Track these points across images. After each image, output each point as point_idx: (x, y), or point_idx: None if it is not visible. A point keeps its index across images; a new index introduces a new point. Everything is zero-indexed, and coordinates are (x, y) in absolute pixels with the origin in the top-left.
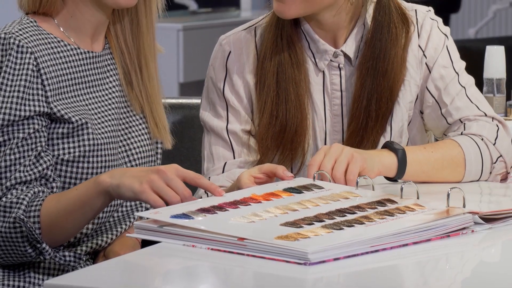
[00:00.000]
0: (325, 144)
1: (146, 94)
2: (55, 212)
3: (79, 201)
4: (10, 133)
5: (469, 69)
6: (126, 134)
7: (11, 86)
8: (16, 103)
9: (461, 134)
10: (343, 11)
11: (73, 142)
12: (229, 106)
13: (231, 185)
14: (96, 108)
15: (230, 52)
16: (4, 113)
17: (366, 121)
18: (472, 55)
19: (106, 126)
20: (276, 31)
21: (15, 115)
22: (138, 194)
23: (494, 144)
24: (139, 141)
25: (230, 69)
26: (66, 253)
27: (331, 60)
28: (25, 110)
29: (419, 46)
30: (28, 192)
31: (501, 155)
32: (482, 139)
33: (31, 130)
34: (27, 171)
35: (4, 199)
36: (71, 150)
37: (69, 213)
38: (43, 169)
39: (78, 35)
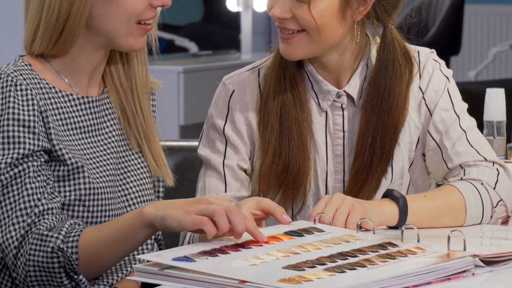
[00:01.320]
0: (326, 184)
1: (144, 132)
2: (94, 244)
3: (121, 233)
4: (24, 163)
5: (469, 111)
6: (125, 178)
7: (18, 120)
8: (28, 138)
9: (461, 179)
10: (348, 51)
11: (69, 185)
12: (229, 143)
13: None
14: (92, 153)
15: (233, 91)
16: (19, 148)
17: (371, 159)
18: (472, 98)
19: (104, 171)
20: (279, 71)
21: (28, 149)
22: (183, 222)
23: (494, 188)
24: (138, 185)
25: (232, 108)
26: (102, 286)
27: (334, 101)
28: (36, 145)
29: (420, 87)
30: (65, 222)
31: (501, 199)
32: (482, 184)
33: (42, 160)
34: (50, 199)
35: (38, 227)
36: (67, 194)
37: (110, 245)
38: (59, 201)
39: (76, 77)
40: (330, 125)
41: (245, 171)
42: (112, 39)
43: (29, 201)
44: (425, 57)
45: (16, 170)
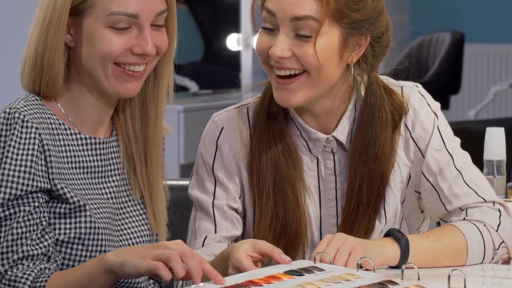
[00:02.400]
0: (320, 229)
1: (148, 184)
2: None
3: (84, 279)
4: (16, 207)
5: (469, 151)
6: (123, 224)
7: (16, 160)
8: (23, 178)
9: (463, 219)
10: (338, 95)
11: (70, 223)
12: (218, 182)
13: (214, 259)
14: (94, 194)
15: (222, 128)
16: (11, 187)
17: (357, 207)
18: (472, 137)
19: (103, 213)
20: (267, 123)
21: (21, 190)
22: (139, 268)
23: (496, 231)
24: (137, 231)
25: (221, 146)
26: None
27: (324, 146)
28: (31, 186)
29: (406, 125)
30: (35, 268)
31: (503, 241)
32: (484, 225)
33: (36, 204)
34: (33, 245)
35: (9, 272)
36: (67, 231)
37: None
38: (48, 245)
39: (81, 119)
40: (322, 170)
41: (235, 210)
42: (96, 80)
43: (11, 245)
44: (409, 91)
45: (7, 213)
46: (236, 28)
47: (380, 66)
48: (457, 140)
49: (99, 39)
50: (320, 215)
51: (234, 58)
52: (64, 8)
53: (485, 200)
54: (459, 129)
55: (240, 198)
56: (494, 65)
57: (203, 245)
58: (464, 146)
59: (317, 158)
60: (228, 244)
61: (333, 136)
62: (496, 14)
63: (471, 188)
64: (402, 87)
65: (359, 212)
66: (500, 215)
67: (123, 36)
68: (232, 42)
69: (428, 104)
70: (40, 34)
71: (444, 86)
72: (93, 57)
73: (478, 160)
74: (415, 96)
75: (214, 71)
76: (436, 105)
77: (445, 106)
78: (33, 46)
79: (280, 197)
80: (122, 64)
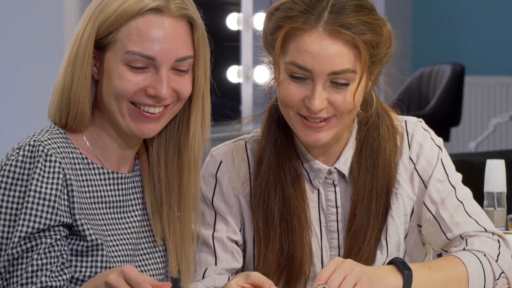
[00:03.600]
0: (321, 261)
1: (174, 231)
2: None
3: None
4: (38, 239)
5: (469, 183)
6: (142, 260)
7: (40, 193)
8: (46, 212)
9: (464, 249)
10: (345, 127)
11: (86, 261)
12: (218, 215)
13: None
14: (114, 229)
15: (221, 162)
16: (34, 221)
17: (359, 238)
18: (472, 169)
19: (122, 250)
20: (275, 156)
21: (44, 224)
22: None
23: (496, 261)
24: (153, 269)
25: (220, 179)
26: None
27: (325, 178)
28: (54, 220)
29: (410, 158)
30: None
31: (503, 272)
32: (484, 255)
33: (58, 237)
34: (52, 277)
35: None
36: (83, 270)
37: None
38: (66, 279)
39: (104, 153)
40: (323, 201)
41: (236, 242)
42: (113, 116)
43: (31, 277)
44: (413, 126)
45: (28, 245)
46: (237, 61)
47: (380, 98)
48: (459, 175)
49: (116, 76)
50: (321, 247)
51: (234, 90)
52: (89, 40)
53: (485, 230)
54: (459, 161)
55: (240, 230)
56: (494, 97)
57: (203, 277)
58: (464, 178)
59: (318, 189)
60: (229, 277)
61: (335, 168)
62: (496, 46)
63: (471, 217)
64: (406, 121)
65: (360, 243)
66: (500, 246)
67: (139, 75)
68: (233, 74)
69: (432, 139)
70: (67, 66)
71: (444, 118)
72: (109, 93)
73: (478, 192)
74: (419, 131)
75: (215, 103)
76: (440, 140)
77: (445, 138)
78: (61, 77)
79: (287, 230)
80: (138, 103)
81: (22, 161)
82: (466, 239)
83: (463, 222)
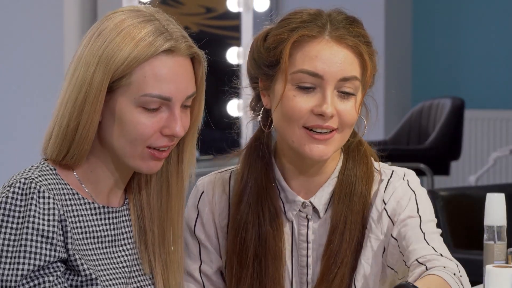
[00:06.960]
0: None
1: (161, 259)
2: None
3: None
4: (40, 277)
5: (469, 217)
6: None
7: (37, 230)
8: (45, 249)
9: (426, 269)
10: (340, 146)
11: None
12: (201, 245)
13: None
14: (106, 264)
15: (202, 192)
16: (34, 258)
17: (328, 278)
18: (472, 202)
19: (116, 284)
20: (255, 192)
21: (44, 261)
22: None
23: (461, 276)
24: None
25: (201, 210)
26: None
27: (299, 210)
28: (53, 256)
29: (383, 200)
30: None
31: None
32: (445, 268)
33: (58, 274)
34: None
35: None
36: None
37: None
38: None
39: (96, 189)
40: (295, 235)
41: (221, 273)
42: (120, 157)
43: None
44: (397, 177)
45: (31, 284)
46: (236, 94)
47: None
48: (435, 220)
49: (130, 120)
50: (292, 281)
51: (234, 124)
52: (102, 86)
53: (442, 255)
54: (459, 194)
55: (221, 257)
56: (494, 131)
57: None
58: (464, 211)
59: (292, 222)
60: None
61: (310, 202)
62: (496, 80)
63: (429, 245)
64: (393, 171)
65: (330, 282)
66: (458, 266)
67: (154, 117)
68: (233, 108)
69: (409, 185)
70: (73, 111)
71: (444, 152)
72: (122, 137)
73: (478, 226)
74: (401, 180)
75: (215, 137)
76: (417, 186)
77: (445, 171)
78: (65, 123)
79: (260, 270)
80: (153, 146)
81: (13, 198)
82: (425, 264)
83: (419, 248)
